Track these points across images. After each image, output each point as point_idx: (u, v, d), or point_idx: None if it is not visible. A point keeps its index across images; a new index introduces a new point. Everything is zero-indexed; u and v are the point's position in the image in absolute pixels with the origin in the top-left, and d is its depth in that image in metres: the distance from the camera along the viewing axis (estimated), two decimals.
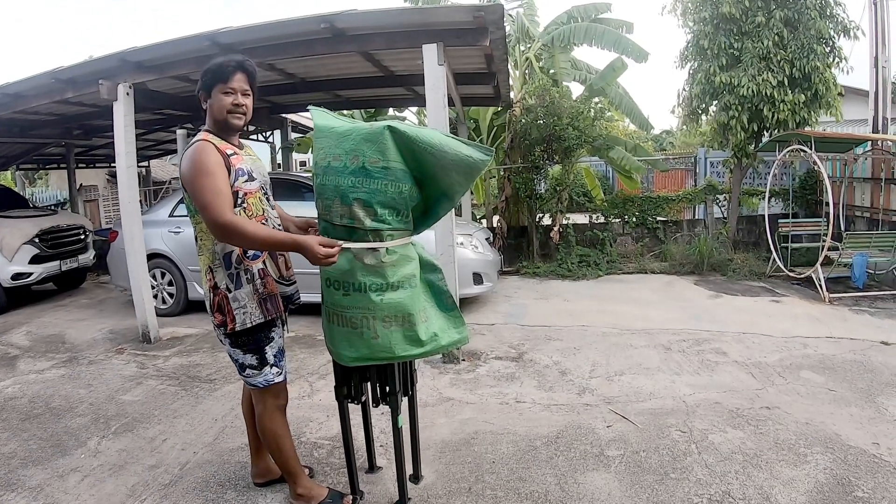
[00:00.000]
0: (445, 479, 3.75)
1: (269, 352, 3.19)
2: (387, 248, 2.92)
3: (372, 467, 3.84)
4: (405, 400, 3.39)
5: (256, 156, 3.41)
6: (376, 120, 13.18)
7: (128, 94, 6.91)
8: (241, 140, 3.37)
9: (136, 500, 3.64)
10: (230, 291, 3.09)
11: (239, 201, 3.04)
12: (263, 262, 3.17)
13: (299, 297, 3.47)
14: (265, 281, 3.15)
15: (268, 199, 3.28)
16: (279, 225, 3.29)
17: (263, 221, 3.14)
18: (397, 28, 6.07)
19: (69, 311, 9.27)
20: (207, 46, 6.31)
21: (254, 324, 3.10)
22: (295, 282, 3.42)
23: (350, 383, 3.29)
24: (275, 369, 3.21)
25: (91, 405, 5.24)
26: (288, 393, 3.39)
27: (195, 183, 2.91)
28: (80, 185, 17.44)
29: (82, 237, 10.71)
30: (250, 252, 3.11)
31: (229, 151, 3.08)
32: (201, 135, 3.13)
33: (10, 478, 3.98)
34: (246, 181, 3.09)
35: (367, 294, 2.93)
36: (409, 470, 3.54)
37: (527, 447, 4.15)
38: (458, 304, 3.32)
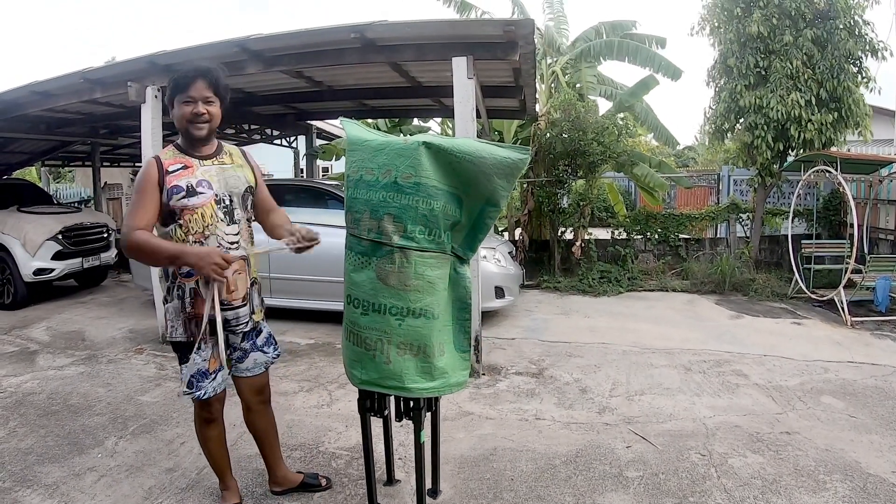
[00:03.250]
0: (463, 495, 3.73)
1: (185, 370, 3.21)
2: (414, 271, 2.90)
3: (390, 480, 3.82)
4: (427, 415, 3.37)
5: (240, 163, 3.35)
6: (400, 130, 13.26)
7: (156, 96, 6.96)
8: (226, 145, 3.38)
9: (152, 502, 3.65)
10: (165, 302, 3.21)
11: (175, 218, 3.07)
12: (196, 283, 3.11)
13: (247, 324, 3.34)
14: (194, 301, 3.12)
15: (230, 215, 3.20)
16: (232, 245, 3.18)
17: (202, 240, 3.09)
18: (427, 40, 6.08)
19: (89, 309, 9.33)
20: (237, 52, 6.35)
21: (175, 340, 3.20)
22: (243, 306, 3.27)
23: (373, 395, 3.28)
24: (185, 388, 3.24)
25: (109, 404, 5.27)
26: (216, 410, 3.39)
27: (133, 195, 3.14)
28: (105, 183, 17.57)
29: (105, 235, 10.79)
30: (184, 269, 3.07)
31: (175, 167, 3.09)
32: (164, 148, 3.25)
33: (26, 474, 4.00)
34: (183, 197, 3.04)
35: (387, 317, 2.91)
36: (427, 484, 3.52)
37: (546, 465, 4.13)
38: (471, 346, 3.28)
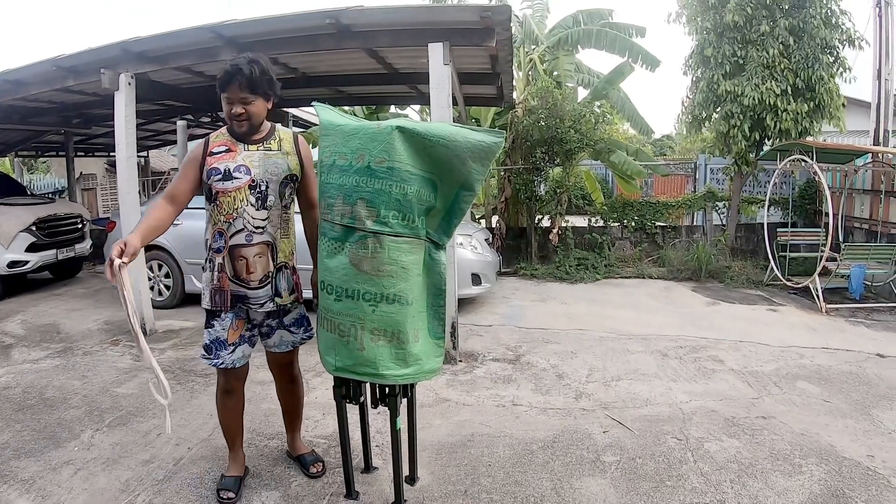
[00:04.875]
0: (441, 482, 3.73)
1: (206, 336, 3.46)
2: (388, 257, 2.91)
3: (368, 467, 3.82)
4: (404, 401, 3.38)
5: (287, 150, 3.47)
6: (377, 117, 13.20)
7: (129, 83, 6.88)
8: (281, 129, 3.56)
9: (130, 495, 3.62)
10: (202, 271, 3.48)
11: (213, 197, 3.32)
12: (223, 259, 3.34)
13: (263, 305, 3.46)
14: (220, 276, 3.36)
15: (261, 200, 3.33)
16: (257, 230, 3.33)
17: (231, 221, 3.28)
18: (403, 26, 6.04)
19: (64, 301, 9.23)
20: (211, 38, 6.28)
21: (203, 307, 3.47)
22: (260, 287, 3.40)
23: (349, 382, 3.28)
24: (204, 352, 3.47)
25: (85, 397, 5.22)
26: (232, 383, 3.57)
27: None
28: (80, 173, 17.38)
29: (79, 226, 10.65)
30: (214, 244, 3.36)
31: (219, 149, 3.33)
32: (220, 129, 3.50)
33: (2, 469, 3.95)
34: (219, 180, 3.26)
35: (360, 302, 2.93)
36: (405, 471, 3.52)
37: (523, 451, 4.14)
38: (446, 332, 3.30)
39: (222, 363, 3.42)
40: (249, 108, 3.26)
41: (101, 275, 11.25)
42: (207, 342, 3.44)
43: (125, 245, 2.87)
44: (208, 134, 3.48)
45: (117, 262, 2.81)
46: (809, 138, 10.10)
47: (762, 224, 10.80)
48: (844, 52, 10.13)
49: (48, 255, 9.79)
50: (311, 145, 12.01)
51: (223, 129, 3.44)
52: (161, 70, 7.11)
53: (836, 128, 10.46)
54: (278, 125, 3.57)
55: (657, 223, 12.21)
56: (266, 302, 3.44)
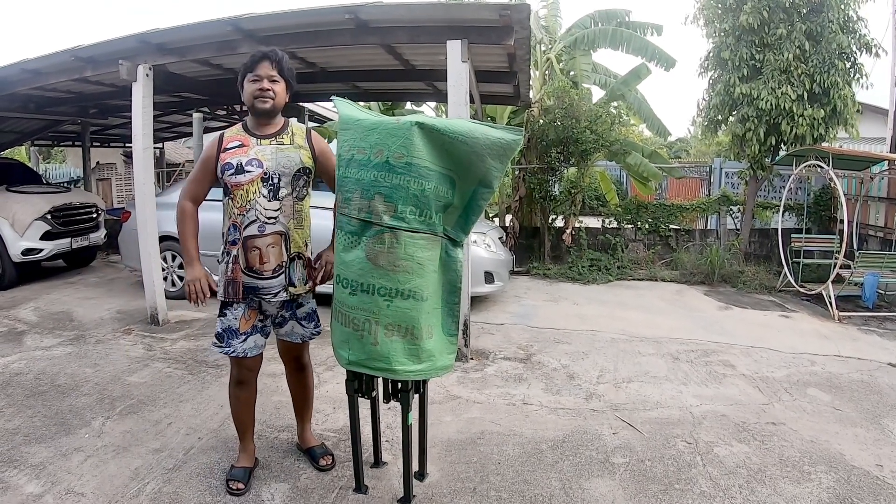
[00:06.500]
0: (450, 478, 3.74)
1: (218, 324, 3.54)
2: (404, 252, 2.91)
3: (377, 462, 3.83)
4: (415, 397, 3.38)
5: (300, 143, 3.57)
6: (393, 113, 13.18)
7: (147, 75, 6.91)
8: (294, 125, 3.66)
9: (139, 483, 3.64)
10: (218, 263, 3.55)
11: (228, 191, 3.42)
12: (237, 250, 3.42)
13: (277, 295, 3.51)
14: (234, 267, 3.43)
15: (273, 192, 3.42)
16: (269, 220, 3.42)
17: (244, 213, 3.38)
18: (422, 22, 6.05)
19: (78, 289, 9.29)
20: (230, 31, 6.30)
21: (218, 298, 3.54)
22: (274, 277, 3.47)
23: (361, 377, 3.29)
24: (215, 340, 3.55)
25: (97, 385, 5.25)
26: (245, 374, 3.64)
27: (195, 164, 3.62)
28: (97, 162, 17.40)
29: (94, 216, 10.73)
30: (230, 237, 3.45)
31: (233, 144, 3.44)
32: (234, 126, 3.61)
33: (12, 454, 3.99)
34: (233, 174, 3.36)
35: (375, 297, 2.94)
36: (414, 467, 3.53)
37: (533, 450, 4.14)
38: (459, 330, 3.31)
39: (233, 351, 3.49)
40: (275, 87, 3.42)
41: (115, 264, 11.34)
42: (219, 330, 3.52)
43: (203, 280, 3.49)
44: (223, 127, 3.55)
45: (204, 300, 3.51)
46: (825, 144, 10.02)
47: (776, 229, 10.72)
48: (861, 59, 10.04)
49: (62, 244, 9.86)
50: (325, 140, 12.04)
51: (237, 126, 3.56)
52: (179, 62, 7.14)
53: (849, 135, 10.38)
54: (292, 120, 3.68)
55: (671, 226, 12.13)
56: (279, 292, 3.48)
